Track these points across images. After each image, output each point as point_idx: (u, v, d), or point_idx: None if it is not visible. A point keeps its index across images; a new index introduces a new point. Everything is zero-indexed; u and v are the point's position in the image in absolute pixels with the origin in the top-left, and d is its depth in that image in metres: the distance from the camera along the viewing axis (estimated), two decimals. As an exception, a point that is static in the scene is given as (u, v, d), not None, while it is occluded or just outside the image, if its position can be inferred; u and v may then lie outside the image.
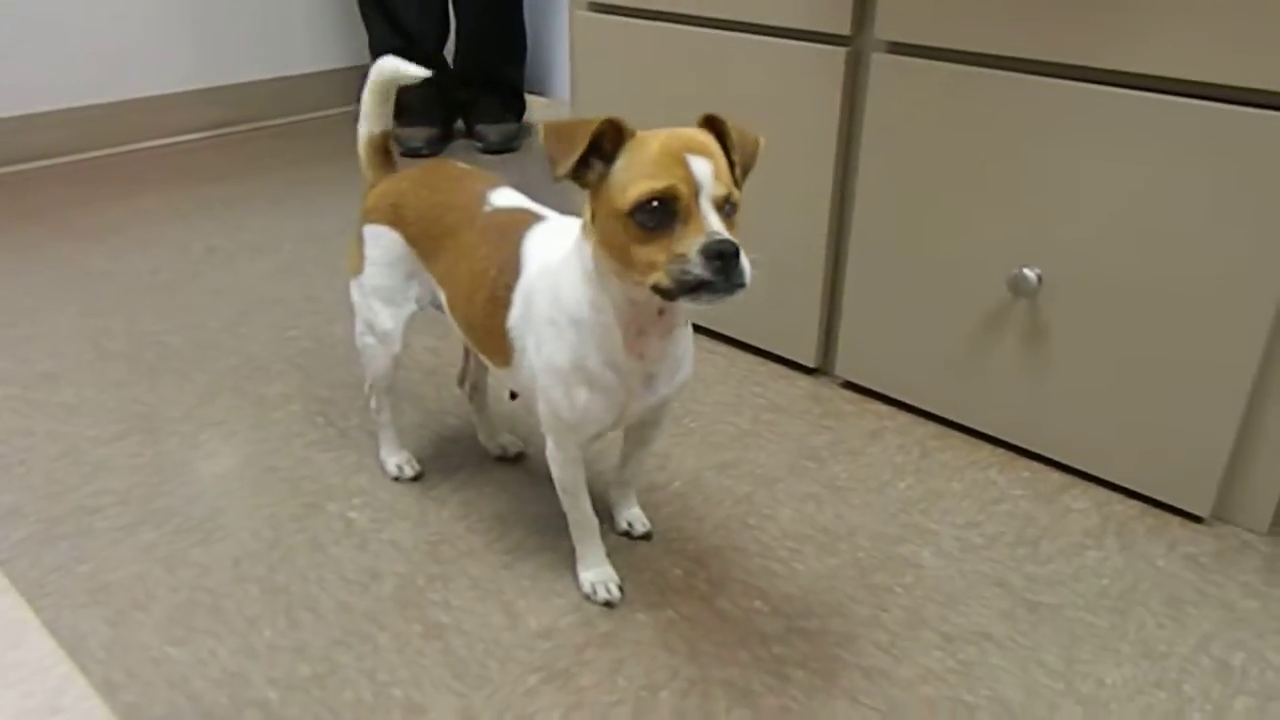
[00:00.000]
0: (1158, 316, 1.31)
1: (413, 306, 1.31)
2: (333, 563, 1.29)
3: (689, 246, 0.89)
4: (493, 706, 1.07)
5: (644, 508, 1.38)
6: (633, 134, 0.94)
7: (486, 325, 1.15)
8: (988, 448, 1.55)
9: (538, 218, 1.18)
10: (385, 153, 1.35)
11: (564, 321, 1.04)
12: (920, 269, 1.53)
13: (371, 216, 1.30)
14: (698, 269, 0.89)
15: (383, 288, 1.30)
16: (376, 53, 3.10)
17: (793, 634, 1.18)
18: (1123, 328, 1.34)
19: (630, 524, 1.35)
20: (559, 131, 0.93)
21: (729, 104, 1.70)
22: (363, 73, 1.33)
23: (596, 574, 1.24)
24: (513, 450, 1.51)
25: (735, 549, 1.32)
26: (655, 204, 0.90)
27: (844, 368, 1.70)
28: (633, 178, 0.91)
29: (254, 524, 1.36)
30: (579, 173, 0.94)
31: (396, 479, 1.45)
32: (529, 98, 3.21)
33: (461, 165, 1.33)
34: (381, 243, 1.29)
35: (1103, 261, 1.33)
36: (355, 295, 1.33)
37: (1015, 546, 1.33)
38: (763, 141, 1.02)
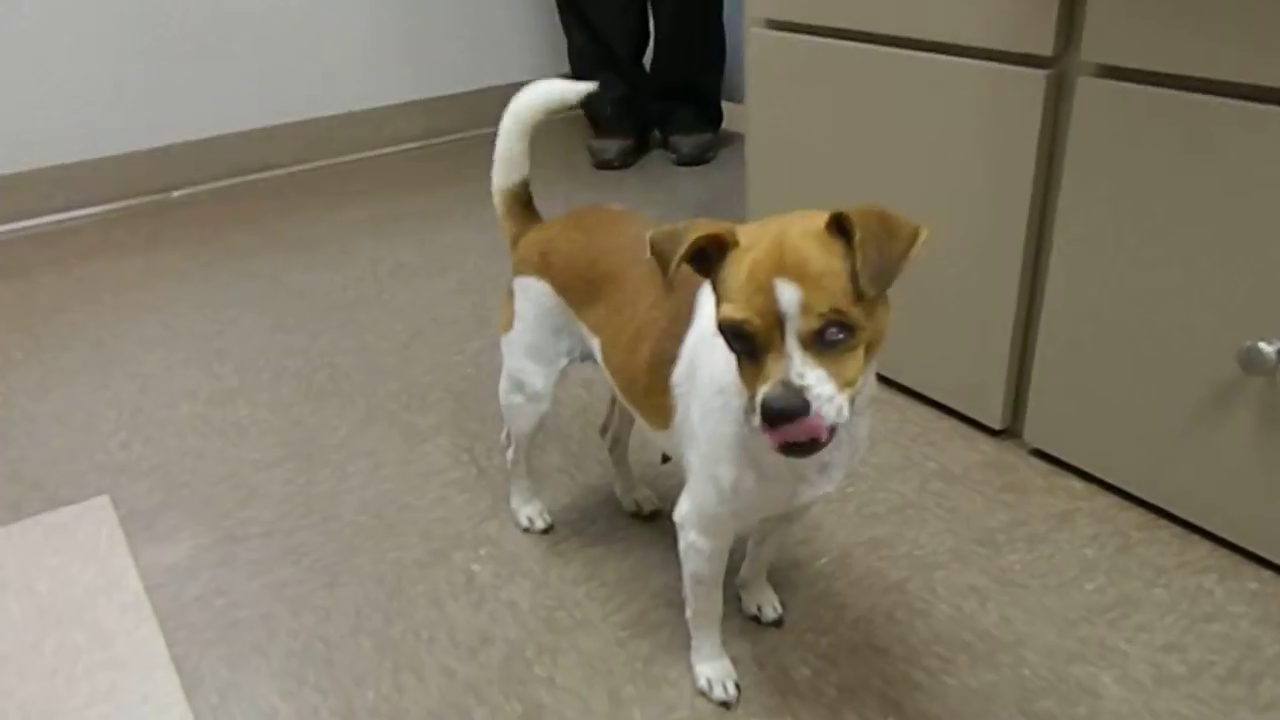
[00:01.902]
0: None
1: (563, 361, 1.22)
2: (447, 621, 1.25)
3: (759, 389, 0.79)
4: (579, 812, 0.99)
5: (779, 587, 1.25)
6: (735, 244, 0.82)
7: (649, 382, 1.04)
8: (1205, 546, 1.30)
9: None
10: (525, 204, 1.27)
11: (733, 391, 0.92)
12: (1130, 328, 1.30)
13: (520, 268, 1.22)
14: (757, 421, 0.79)
15: (533, 345, 1.22)
16: (576, 61, 3.12)
17: (929, 767, 1.02)
18: (1390, 423, 1.07)
19: (760, 608, 1.22)
20: (663, 239, 0.84)
21: (913, 131, 1.54)
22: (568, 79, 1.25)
23: (714, 669, 1.13)
24: (648, 508, 1.42)
25: (875, 649, 1.17)
26: (735, 333, 0.80)
27: (1035, 433, 1.49)
28: (722, 295, 0.82)
29: (380, 569, 1.34)
30: (701, 268, 0.85)
31: (526, 530, 1.40)
32: (727, 106, 3.10)
33: (617, 208, 1.23)
34: (531, 295, 1.20)
35: (1366, 340, 1.07)
36: (505, 354, 1.26)
37: (1227, 682, 1.09)
38: (924, 235, 0.84)
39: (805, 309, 0.77)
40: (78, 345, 2.05)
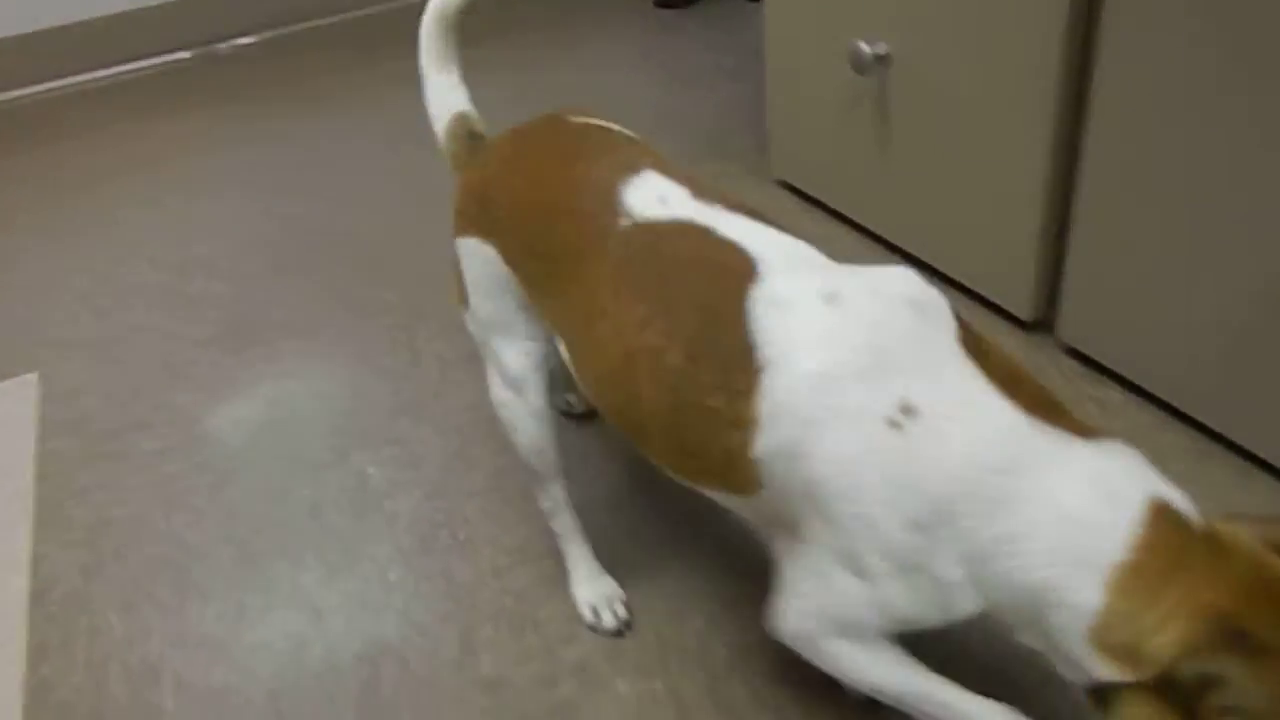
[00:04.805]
0: None
1: (542, 344, 0.89)
2: (320, 533, 1.10)
3: None
4: (384, 780, 0.84)
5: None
6: None
7: (693, 443, 0.71)
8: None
9: (751, 262, 0.69)
10: (473, 134, 0.94)
11: (943, 536, 0.62)
12: (1191, 201, 0.97)
13: (460, 225, 0.88)
14: None
15: (497, 321, 0.89)
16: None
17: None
18: None
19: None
20: None
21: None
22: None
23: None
24: (579, 408, 1.21)
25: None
26: None
27: (1070, 328, 1.18)
28: None
29: (272, 469, 1.21)
30: None
31: (592, 628, 0.95)
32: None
33: (583, 121, 0.87)
34: (476, 263, 0.87)
35: None
36: (471, 331, 0.93)
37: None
38: None
39: None
40: (79, 207, 1.96)
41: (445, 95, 0.95)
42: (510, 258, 0.83)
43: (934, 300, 0.68)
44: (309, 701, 0.92)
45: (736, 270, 0.69)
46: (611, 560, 0.98)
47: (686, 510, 1.05)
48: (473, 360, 1.32)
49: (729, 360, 0.67)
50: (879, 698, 0.71)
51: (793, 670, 0.88)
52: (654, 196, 0.75)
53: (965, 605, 0.64)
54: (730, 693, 0.88)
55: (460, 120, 0.94)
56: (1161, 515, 0.59)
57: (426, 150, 1.93)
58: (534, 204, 0.80)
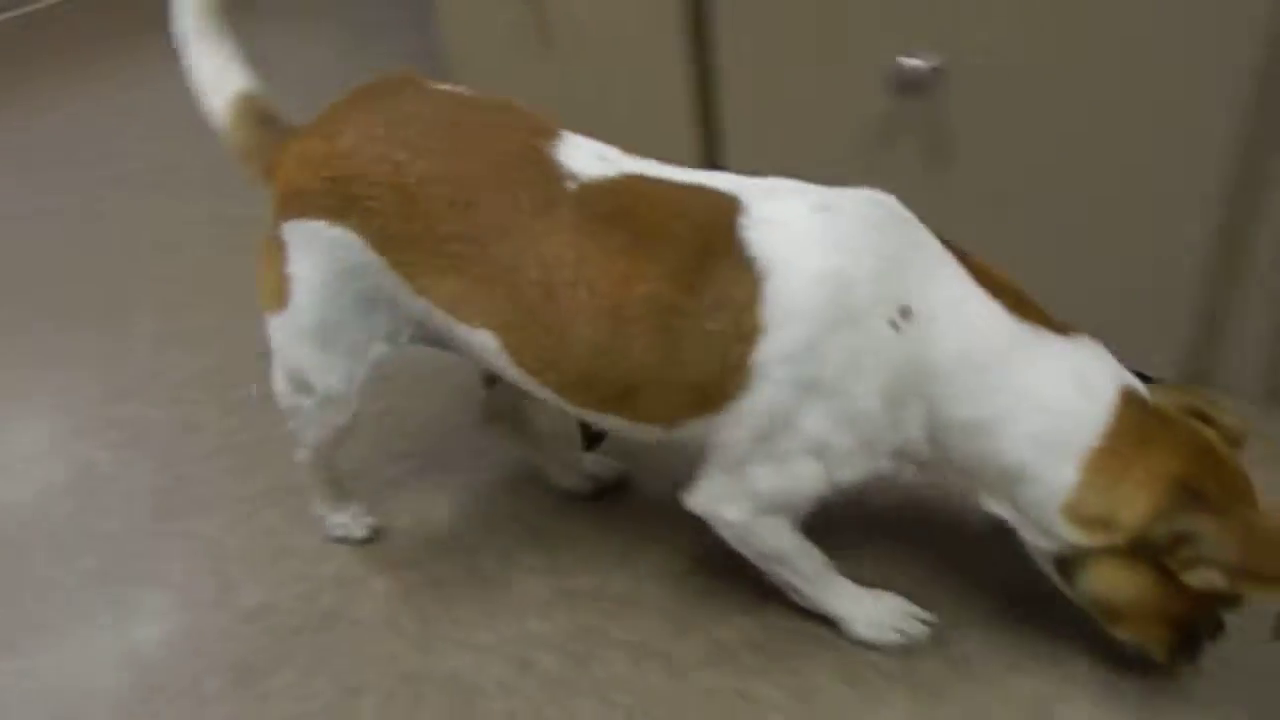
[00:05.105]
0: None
1: (380, 348, 0.83)
2: (48, 525, 1.07)
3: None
4: (156, 723, 0.86)
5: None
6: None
7: (684, 377, 0.71)
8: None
9: (729, 197, 0.71)
10: (266, 117, 0.83)
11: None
12: (795, 58, 1.11)
13: (294, 207, 0.77)
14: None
15: (324, 327, 0.80)
16: None
17: (560, 599, 0.90)
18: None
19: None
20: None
21: None
22: None
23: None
24: (609, 475, 1.01)
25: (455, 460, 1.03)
26: None
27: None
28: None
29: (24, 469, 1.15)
30: None
31: (341, 540, 0.99)
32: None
33: (450, 87, 0.80)
34: (319, 250, 0.77)
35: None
36: (275, 340, 0.83)
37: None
38: None
39: None
40: None
41: (218, 74, 0.83)
42: (382, 239, 0.75)
43: (907, 212, 0.73)
44: (72, 680, 0.90)
45: (719, 206, 0.71)
46: (356, 475, 1.02)
47: (424, 417, 1.12)
48: (188, 337, 1.31)
49: (727, 281, 0.68)
50: (764, 564, 0.80)
51: (541, 536, 0.97)
52: (592, 155, 0.74)
53: (909, 462, 0.74)
54: (483, 566, 0.95)
55: (246, 101, 0.82)
56: (1128, 401, 0.69)
57: (121, 136, 1.85)
58: (434, 178, 0.73)
